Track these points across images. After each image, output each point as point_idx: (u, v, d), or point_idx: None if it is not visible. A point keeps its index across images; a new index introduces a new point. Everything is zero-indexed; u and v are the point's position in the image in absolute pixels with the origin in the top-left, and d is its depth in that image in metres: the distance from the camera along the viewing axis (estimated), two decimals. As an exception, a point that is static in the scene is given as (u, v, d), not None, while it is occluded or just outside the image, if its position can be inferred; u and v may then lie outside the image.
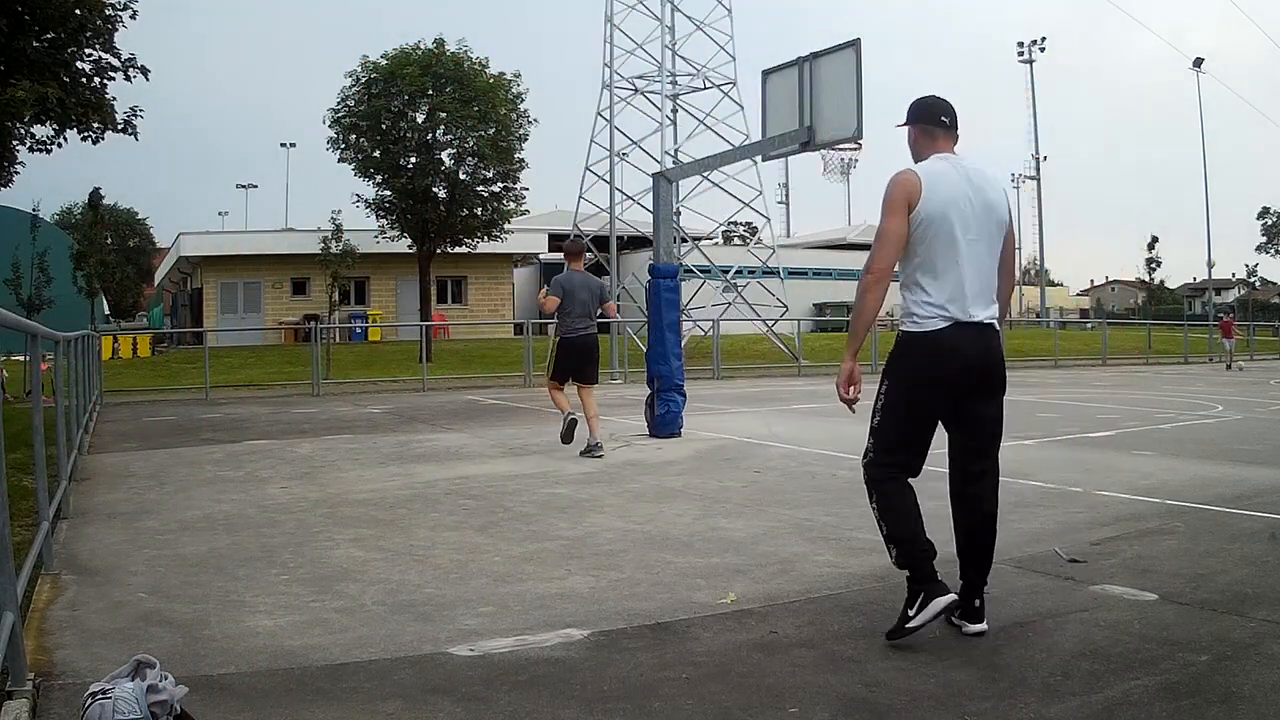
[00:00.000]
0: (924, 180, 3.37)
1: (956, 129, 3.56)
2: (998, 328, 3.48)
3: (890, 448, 3.56)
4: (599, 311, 8.50)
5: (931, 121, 3.55)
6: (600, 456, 8.04)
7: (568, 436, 8.29)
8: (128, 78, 14.38)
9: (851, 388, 3.62)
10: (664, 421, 9.54)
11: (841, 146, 10.43)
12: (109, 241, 37.74)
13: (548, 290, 8.25)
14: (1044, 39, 67.47)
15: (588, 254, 9.05)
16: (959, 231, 3.36)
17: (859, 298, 3.49)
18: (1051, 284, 69.44)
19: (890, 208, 3.38)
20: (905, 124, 3.61)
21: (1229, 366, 25.63)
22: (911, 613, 3.32)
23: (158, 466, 7.96)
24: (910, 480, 3.57)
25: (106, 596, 4.01)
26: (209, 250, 35.07)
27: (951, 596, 3.32)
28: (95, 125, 14.27)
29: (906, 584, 3.39)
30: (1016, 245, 3.86)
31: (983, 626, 3.42)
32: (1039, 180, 61.08)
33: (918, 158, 3.55)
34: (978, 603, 3.45)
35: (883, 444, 3.58)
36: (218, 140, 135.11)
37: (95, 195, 26.80)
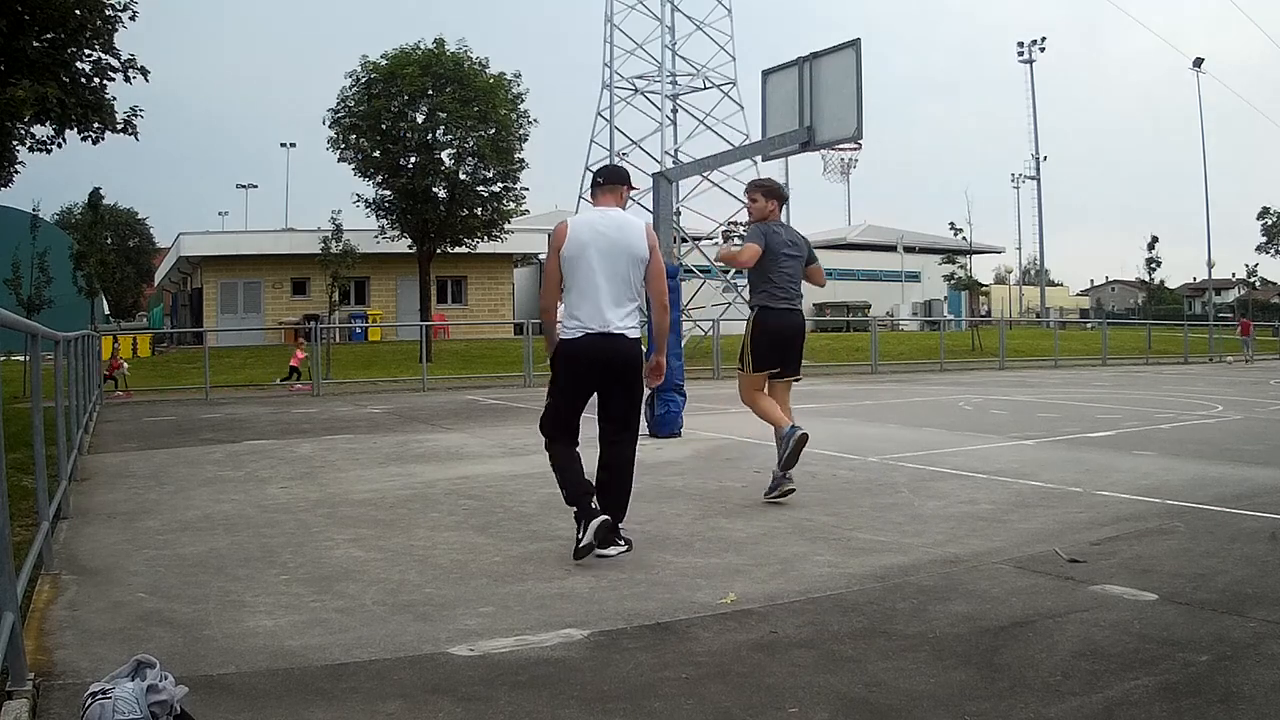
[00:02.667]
0: (570, 228, 4.62)
1: (611, 185, 4.81)
2: (629, 335, 4.59)
3: (555, 420, 4.72)
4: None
5: (594, 182, 4.91)
6: (790, 492, 5.92)
7: (793, 458, 5.88)
8: (127, 78, 14.39)
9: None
10: (664, 421, 9.54)
11: (841, 146, 10.45)
12: (109, 241, 37.79)
13: (744, 236, 6.27)
14: (1044, 39, 67.74)
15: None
16: (595, 265, 4.51)
17: (546, 327, 4.80)
18: (1051, 284, 69.47)
19: (550, 252, 4.61)
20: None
21: (1248, 361, 29.04)
22: (581, 535, 4.42)
23: (158, 466, 7.96)
24: (572, 443, 4.74)
25: (106, 596, 4.01)
26: (209, 250, 35.07)
27: (604, 517, 4.45)
28: (95, 125, 14.27)
29: (574, 518, 4.50)
30: (676, 270, 5.31)
31: (623, 548, 4.52)
32: (1039, 180, 61.15)
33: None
34: (613, 534, 4.53)
35: (550, 418, 4.74)
36: (218, 140, 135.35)
37: (95, 195, 26.82)
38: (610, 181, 4.82)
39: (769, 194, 6.16)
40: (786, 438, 5.87)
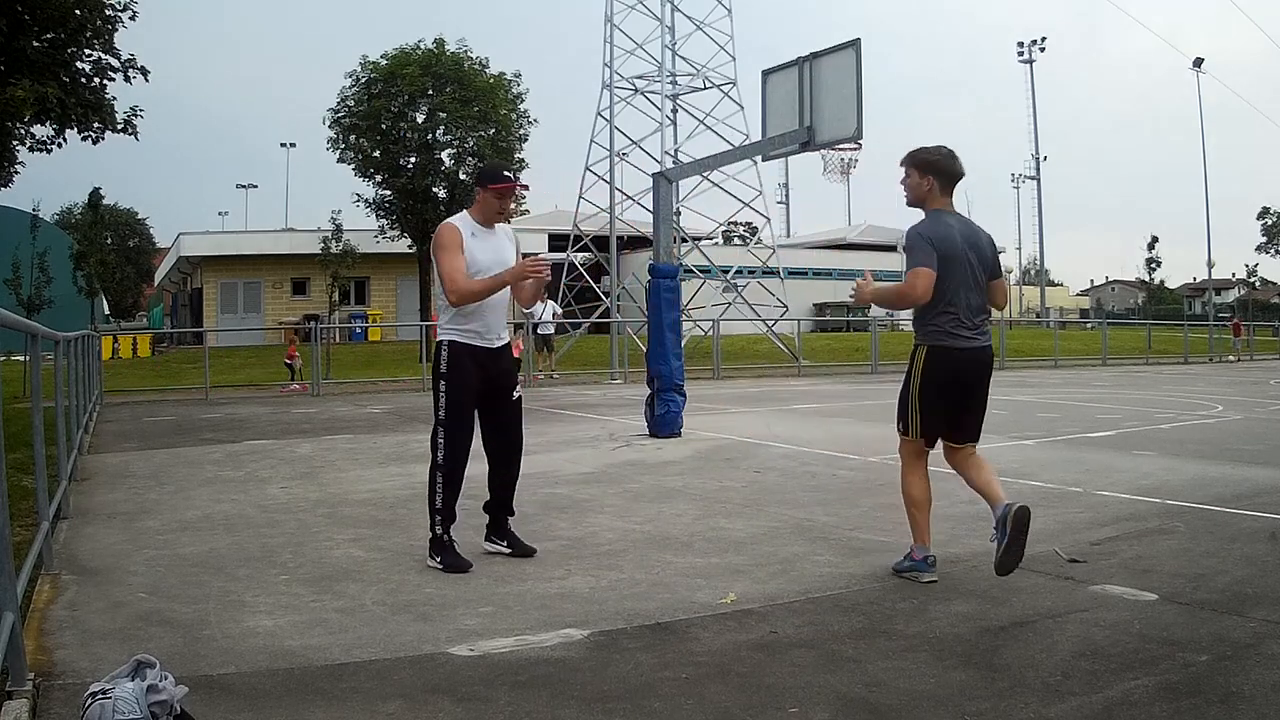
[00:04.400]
0: (462, 230, 4.47)
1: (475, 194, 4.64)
2: (509, 350, 4.66)
3: (452, 438, 4.49)
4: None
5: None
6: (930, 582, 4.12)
7: (1014, 551, 3.85)
8: (127, 78, 14.38)
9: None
10: (664, 421, 9.53)
11: (841, 146, 10.44)
12: (109, 241, 37.81)
13: (907, 262, 4.06)
14: (1044, 39, 67.79)
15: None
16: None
17: (482, 296, 4.41)
18: (1051, 284, 69.48)
19: (451, 247, 4.39)
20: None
21: (1237, 359, 30.13)
22: (442, 560, 4.45)
23: (158, 466, 7.96)
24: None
25: (106, 596, 4.01)
26: (209, 250, 35.09)
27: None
28: (95, 125, 14.26)
29: (443, 547, 4.46)
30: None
31: (497, 546, 4.72)
32: (1039, 180, 61.17)
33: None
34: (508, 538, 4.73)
35: (449, 436, 4.49)
36: (218, 140, 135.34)
37: (95, 195, 26.88)
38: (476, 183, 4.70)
39: (925, 168, 4.15)
40: (1001, 519, 3.90)
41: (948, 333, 4.09)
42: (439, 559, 4.45)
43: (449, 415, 4.43)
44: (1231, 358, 30.70)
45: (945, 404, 4.14)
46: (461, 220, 4.53)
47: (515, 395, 4.65)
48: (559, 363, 21.27)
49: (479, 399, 4.52)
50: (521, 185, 4.74)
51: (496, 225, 4.59)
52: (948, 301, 4.06)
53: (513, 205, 4.72)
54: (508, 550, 4.67)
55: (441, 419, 4.44)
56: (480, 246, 4.46)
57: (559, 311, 22.70)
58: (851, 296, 4.36)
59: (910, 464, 4.28)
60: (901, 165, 4.22)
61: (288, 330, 19.15)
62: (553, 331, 21.01)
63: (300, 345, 21.01)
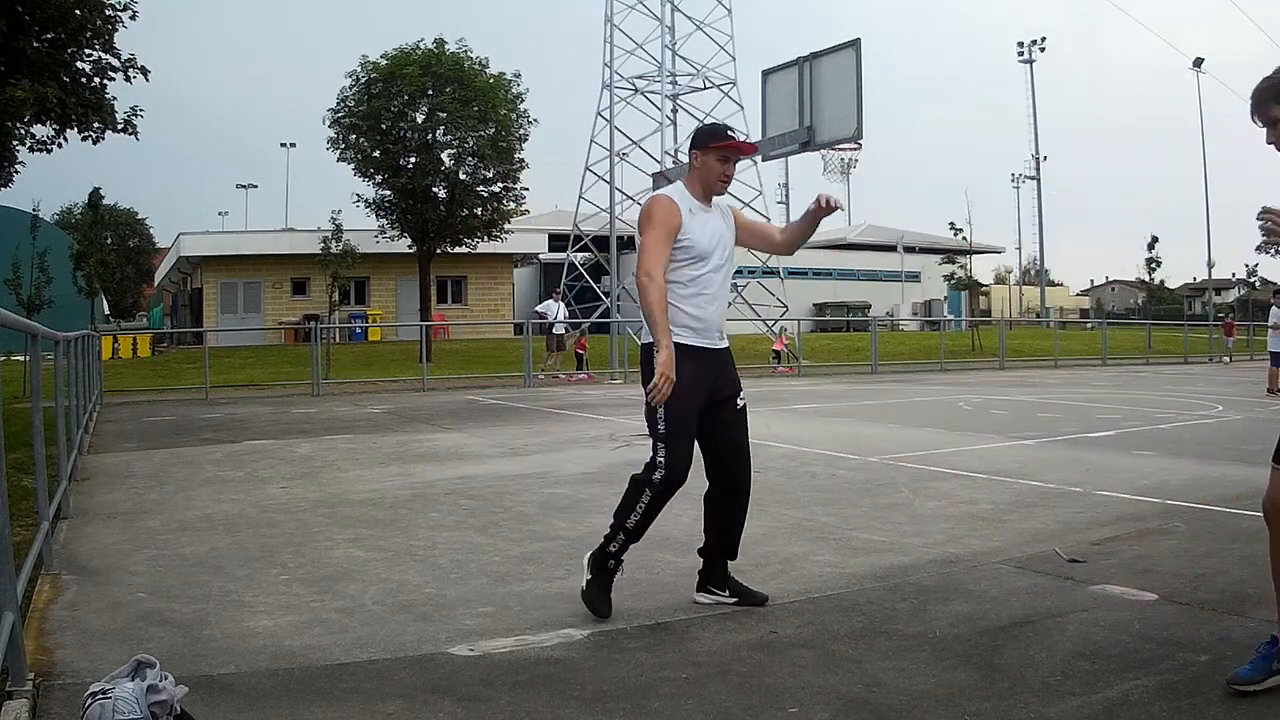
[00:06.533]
0: (681, 208, 3.66)
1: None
2: (729, 353, 3.85)
3: (673, 452, 3.61)
4: None
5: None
6: None
7: None
8: (128, 78, 14.38)
9: None
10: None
11: (841, 146, 10.47)
12: (109, 241, 37.82)
13: None
14: (1044, 39, 67.66)
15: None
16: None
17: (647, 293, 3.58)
18: (1051, 284, 69.46)
19: (666, 229, 3.60)
20: None
21: (1230, 360, 30.27)
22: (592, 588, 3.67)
23: (158, 466, 7.96)
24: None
25: (106, 596, 4.01)
26: (209, 250, 35.10)
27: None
28: (95, 125, 14.26)
29: (605, 573, 3.69)
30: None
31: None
32: (1039, 180, 61.15)
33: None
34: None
35: (669, 449, 3.62)
36: (218, 140, 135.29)
37: (95, 195, 26.85)
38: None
39: (1270, 95, 3.06)
40: None
41: None
42: (590, 581, 3.68)
43: (670, 425, 3.56)
44: (1225, 359, 30.69)
45: None
46: (679, 195, 3.71)
47: (740, 403, 3.81)
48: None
49: (701, 410, 3.67)
50: (749, 145, 3.87)
51: (713, 200, 3.78)
52: None
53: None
54: (732, 601, 3.79)
55: (662, 432, 3.57)
56: (700, 228, 3.67)
57: (567, 313, 22.82)
58: None
59: None
60: (1255, 119, 3.08)
61: (582, 336, 20.44)
62: (564, 332, 21.26)
63: (301, 345, 21.02)
